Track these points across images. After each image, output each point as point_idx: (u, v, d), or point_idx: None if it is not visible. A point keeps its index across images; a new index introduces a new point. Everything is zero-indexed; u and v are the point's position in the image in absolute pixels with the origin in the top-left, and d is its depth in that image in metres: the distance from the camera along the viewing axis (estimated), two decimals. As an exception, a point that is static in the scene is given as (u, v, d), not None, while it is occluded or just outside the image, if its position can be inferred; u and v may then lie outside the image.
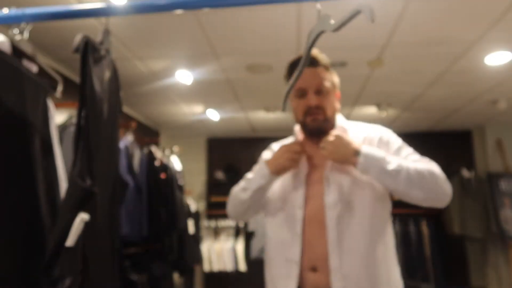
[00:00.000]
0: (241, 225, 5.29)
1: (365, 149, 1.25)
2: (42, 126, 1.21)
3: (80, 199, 1.00)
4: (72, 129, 2.37)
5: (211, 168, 5.70)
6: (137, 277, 3.03)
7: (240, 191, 1.42)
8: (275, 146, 1.54)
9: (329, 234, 1.23)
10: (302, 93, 1.35)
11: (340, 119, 1.43)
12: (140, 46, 2.77)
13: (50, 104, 1.27)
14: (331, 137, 1.29)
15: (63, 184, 1.25)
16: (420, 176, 1.21)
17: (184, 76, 3.31)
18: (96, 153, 1.11)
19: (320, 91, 1.32)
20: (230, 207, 1.48)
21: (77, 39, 1.09)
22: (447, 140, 5.45)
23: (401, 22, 2.44)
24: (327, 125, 1.36)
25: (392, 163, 1.22)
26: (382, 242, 1.26)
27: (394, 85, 3.64)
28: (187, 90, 3.71)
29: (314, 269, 1.24)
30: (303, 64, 1.20)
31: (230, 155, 5.71)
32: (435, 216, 5.05)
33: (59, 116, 2.69)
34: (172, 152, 4.09)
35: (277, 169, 1.33)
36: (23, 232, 1.08)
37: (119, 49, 2.75)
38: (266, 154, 1.54)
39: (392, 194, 1.32)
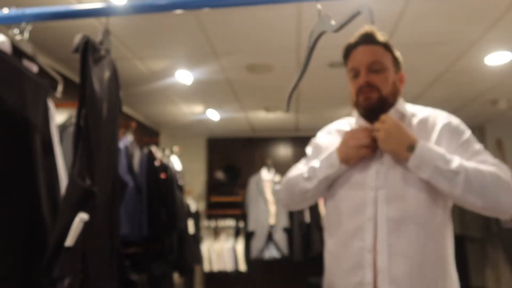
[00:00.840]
0: (241, 225, 5.29)
1: (422, 143, 1.11)
2: (42, 126, 1.21)
3: (80, 199, 1.00)
4: (72, 129, 2.38)
5: (211, 168, 5.70)
6: (137, 277, 3.03)
7: (303, 180, 1.29)
8: (333, 127, 1.39)
9: (379, 232, 1.13)
10: (355, 73, 1.24)
11: (401, 104, 1.27)
12: (140, 46, 2.76)
13: (51, 104, 1.27)
14: (386, 120, 1.16)
15: (64, 184, 1.25)
16: (480, 180, 1.06)
17: (184, 76, 3.31)
18: (95, 153, 1.11)
19: (373, 69, 1.20)
20: (287, 196, 1.36)
21: (77, 39, 1.09)
22: (447, 140, 5.44)
23: (401, 22, 2.44)
24: (383, 105, 1.21)
25: (451, 162, 1.08)
26: (439, 245, 1.14)
27: (394, 85, 3.63)
28: (187, 90, 3.71)
29: None
30: (305, 64, 1.21)
31: (230, 155, 5.70)
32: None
33: (59, 116, 2.69)
34: (172, 152, 4.09)
35: (348, 158, 1.20)
36: (24, 232, 1.08)
37: (119, 49, 2.75)
38: (322, 137, 1.39)
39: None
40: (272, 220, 5.03)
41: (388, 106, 1.23)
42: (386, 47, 1.24)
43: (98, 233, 1.14)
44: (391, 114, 1.23)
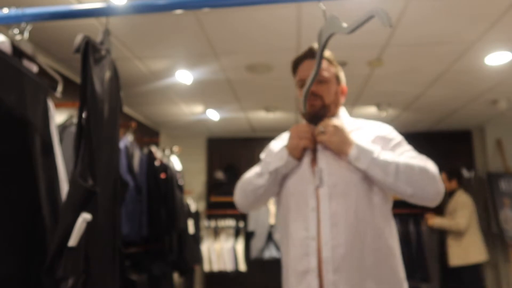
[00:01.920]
0: (241, 225, 5.28)
1: (359, 141, 1.28)
2: (42, 126, 1.21)
3: (82, 199, 1.00)
4: (72, 129, 2.38)
5: (211, 168, 5.70)
6: (137, 277, 3.03)
7: (255, 177, 1.42)
8: (284, 135, 1.52)
9: (322, 225, 1.25)
10: (302, 84, 1.39)
11: (343, 114, 1.45)
12: (140, 46, 2.76)
13: (51, 104, 1.27)
14: (332, 122, 1.32)
15: (64, 185, 1.25)
16: (410, 171, 1.21)
17: (184, 76, 3.31)
18: (97, 153, 1.11)
19: (317, 80, 1.34)
20: (241, 195, 1.46)
21: (78, 39, 1.09)
22: (447, 140, 5.45)
23: (401, 22, 2.44)
24: (325, 113, 1.37)
25: (384, 154, 1.25)
26: (379, 236, 1.26)
27: (394, 85, 3.64)
28: (187, 90, 3.70)
29: None
30: (318, 65, 1.23)
31: (230, 155, 5.70)
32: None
33: (59, 116, 2.69)
34: (172, 152, 4.09)
35: (292, 148, 1.34)
36: (24, 232, 1.08)
37: (119, 49, 2.75)
38: (274, 144, 1.51)
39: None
40: (272, 220, 5.03)
41: (330, 114, 1.40)
42: (329, 62, 1.41)
43: (101, 233, 1.14)
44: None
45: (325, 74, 1.37)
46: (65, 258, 0.95)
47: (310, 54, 1.39)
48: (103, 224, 1.15)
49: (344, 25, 1.16)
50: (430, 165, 1.25)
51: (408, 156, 1.29)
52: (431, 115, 4.72)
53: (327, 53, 1.39)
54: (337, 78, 1.43)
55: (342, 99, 1.45)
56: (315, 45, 1.36)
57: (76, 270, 0.98)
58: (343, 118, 1.43)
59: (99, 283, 1.10)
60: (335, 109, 1.42)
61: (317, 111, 1.36)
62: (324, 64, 1.38)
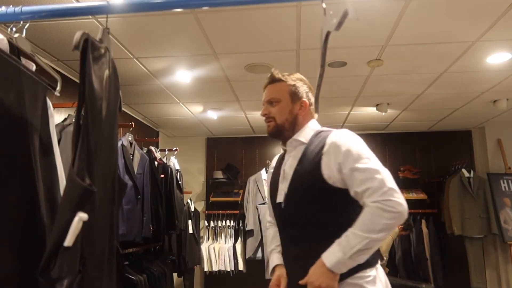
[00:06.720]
0: (241, 225, 5.27)
1: (329, 262, 1.26)
2: (41, 125, 1.20)
3: (79, 198, 0.99)
4: (71, 128, 2.37)
5: (210, 168, 5.69)
6: (137, 277, 3.02)
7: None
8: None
9: None
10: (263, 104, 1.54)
11: (308, 129, 1.49)
12: (140, 46, 2.76)
13: (50, 103, 1.26)
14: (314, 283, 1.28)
15: (63, 184, 1.25)
16: (367, 235, 1.22)
17: (183, 76, 3.31)
18: (95, 151, 1.10)
19: (271, 103, 1.49)
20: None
21: (77, 36, 1.08)
22: (447, 140, 5.44)
23: (401, 22, 2.43)
24: (280, 132, 1.49)
25: (345, 245, 1.24)
26: None
27: (394, 85, 3.63)
28: (187, 90, 3.70)
29: None
30: (322, 65, 1.25)
31: (229, 155, 5.69)
32: (435, 216, 5.04)
33: (57, 116, 2.68)
34: (172, 152, 4.09)
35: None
36: (22, 232, 1.07)
37: (119, 49, 2.74)
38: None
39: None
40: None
41: (289, 133, 1.48)
42: (281, 80, 1.49)
43: (98, 233, 1.14)
44: (290, 143, 1.48)
45: (275, 95, 1.47)
46: (61, 258, 0.94)
47: (269, 80, 1.51)
48: (100, 223, 1.14)
49: (334, 21, 1.18)
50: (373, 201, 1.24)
51: (358, 182, 1.27)
52: (431, 115, 4.71)
53: (276, 73, 1.49)
54: (293, 95, 1.47)
55: (302, 112, 1.48)
56: (272, 71, 1.50)
57: (71, 270, 0.97)
58: (302, 139, 1.46)
59: (96, 283, 1.10)
60: (296, 126, 1.48)
61: (272, 132, 1.48)
62: (277, 87, 1.47)
